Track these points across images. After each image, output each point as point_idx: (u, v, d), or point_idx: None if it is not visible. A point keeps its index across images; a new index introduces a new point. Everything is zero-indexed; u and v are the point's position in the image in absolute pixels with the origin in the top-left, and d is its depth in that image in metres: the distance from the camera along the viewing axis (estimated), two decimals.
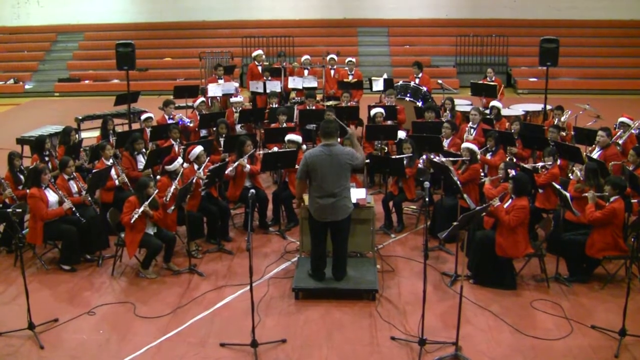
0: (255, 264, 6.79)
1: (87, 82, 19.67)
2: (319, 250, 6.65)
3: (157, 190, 7.16)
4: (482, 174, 8.22)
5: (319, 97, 12.68)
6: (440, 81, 12.93)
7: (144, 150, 8.91)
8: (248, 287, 5.60)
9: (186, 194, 7.30)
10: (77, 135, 10.08)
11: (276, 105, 11.00)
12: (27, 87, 19.79)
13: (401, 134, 9.61)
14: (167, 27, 21.36)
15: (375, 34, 21.10)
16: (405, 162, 8.16)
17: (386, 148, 9.90)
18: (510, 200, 6.73)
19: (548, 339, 5.81)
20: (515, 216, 6.52)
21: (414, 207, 9.03)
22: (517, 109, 12.02)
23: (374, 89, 12.63)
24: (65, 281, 7.07)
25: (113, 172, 8.12)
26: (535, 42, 12.30)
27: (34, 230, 7.16)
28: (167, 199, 7.29)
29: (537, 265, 7.00)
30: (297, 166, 8.04)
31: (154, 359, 5.61)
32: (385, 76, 13.00)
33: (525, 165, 8.05)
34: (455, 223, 5.78)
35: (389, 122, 10.38)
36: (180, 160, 7.85)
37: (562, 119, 10.14)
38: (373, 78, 12.93)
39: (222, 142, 9.48)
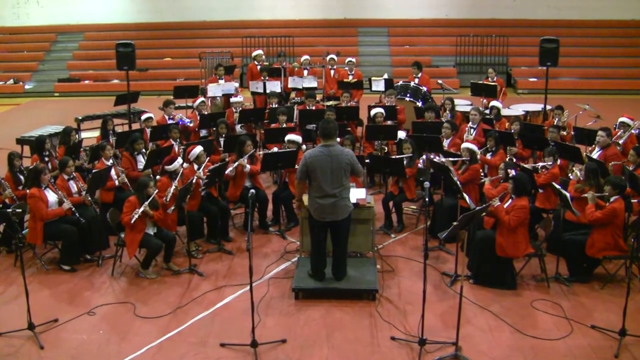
0: (255, 264, 6.80)
1: (87, 82, 19.68)
2: (319, 250, 6.64)
3: (157, 190, 7.16)
4: (482, 174, 8.22)
5: (319, 97, 12.68)
6: (440, 81, 12.93)
7: (143, 150, 8.91)
8: (248, 287, 5.60)
9: (186, 194, 7.30)
10: (77, 136, 10.08)
11: (276, 106, 11.00)
12: (27, 87, 19.80)
13: (401, 134, 9.62)
14: (167, 27, 21.37)
15: (375, 34, 21.11)
16: (405, 162, 8.16)
17: (386, 148, 9.91)
18: (510, 200, 6.73)
19: (548, 339, 5.81)
20: (515, 216, 6.52)
21: (414, 207, 9.03)
22: (517, 109, 12.02)
23: (374, 89, 12.63)
24: (65, 281, 7.07)
25: (113, 172, 8.12)
26: (535, 42, 12.30)
27: (34, 230, 7.15)
28: (167, 199, 7.29)
29: (537, 265, 7.00)
30: (297, 166, 8.05)
31: (154, 359, 5.61)
32: (385, 76, 13.00)
33: (525, 165, 8.05)
34: (455, 223, 5.78)
35: (389, 122, 10.38)
36: (180, 160, 7.85)
37: (563, 119, 10.13)
38: (373, 78, 12.93)
39: (222, 142, 9.48)
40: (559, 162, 8.03)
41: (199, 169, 7.84)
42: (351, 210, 6.54)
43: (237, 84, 13.02)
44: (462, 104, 12.27)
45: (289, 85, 12.63)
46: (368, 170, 9.49)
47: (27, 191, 7.28)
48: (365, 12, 21.34)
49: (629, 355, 5.55)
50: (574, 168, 8.06)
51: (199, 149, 7.97)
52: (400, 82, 12.55)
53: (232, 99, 11.37)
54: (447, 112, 10.39)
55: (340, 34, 21.13)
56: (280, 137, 9.18)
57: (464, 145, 8.07)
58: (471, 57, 19.70)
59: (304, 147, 9.15)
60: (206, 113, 10.80)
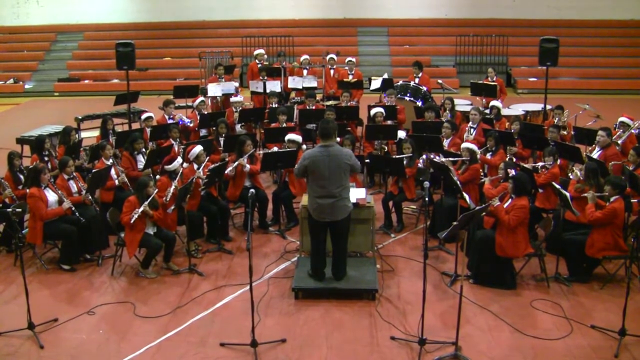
0: (255, 263, 6.79)
1: (86, 81, 19.68)
2: (319, 250, 6.64)
3: (156, 190, 7.16)
4: (482, 174, 8.22)
5: (318, 96, 12.67)
6: (440, 81, 12.92)
7: (143, 150, 8.91)
8: (248, 287, 5.60)
9: (186, 194, 7.30)
10: (77, 135, 10.08)
11: (276, 105, 11.00)
12: (26, 86, 19.80)
13: (401, 134, 9.62)
14: (167, 26, 21.37)
15: (375, 34, 21.10)
16: (405, 162, 8.16)
17: (386, 148, 9.90)
18: (510, 200, 6.73)
19: (548, 339, 5.81)
20: (515, 216, 6.52)
21: (414, 207, 9.04)
22: (517, 109, 12.02)
23: (371, 87, 12.63)
24: (65, 281, 7.07)
25: (113, 171, 8.12)
26: (535, 42, 12.30)
27: (34, 230, 7.15)
28: (167, 199, 7.29)
29: (537, 265, 7.00)
30: (296, 165, 8.05)
31: (153, 359, 5.61)
32: (385, 76, 13.00)
33: (525, 165, 8.05)
34: (455, 223, 5.78)
35: (389, 122, 10.38)
36: (179, 160, 7.85)
37: (563, 118, 10.12)
38: (373, 78, 12.92)
39: (221, 142, 9.48)
40: (559, 161, 8.03)
41: (198, 168, 7.84)
42: (351, 210, 6.54)
43: (237, 84, 13.02)
44: (462, 104, 12.27)
45: (289, 85, 12.61)
46: (368, 170, 9.50)
47: (27, 191, 7.28)
48: (365, 11, 21.34)
49: (628, 355, 5.55)
50: (573, 168, 8.07)
51: (198, 148, 7.96)
52: (400, 82, 12.55)
53: (232, 99, 11.37)
54: (447, 111, 10.39)
55: (340, 33, 21.13)
56: (280, 136, 9.18)
57: (464, 145, 8.07)
58: (471, 57, 19.70)
59: (304, 146, 9.15)
60: (206, 113, 10.79)
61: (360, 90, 12.49)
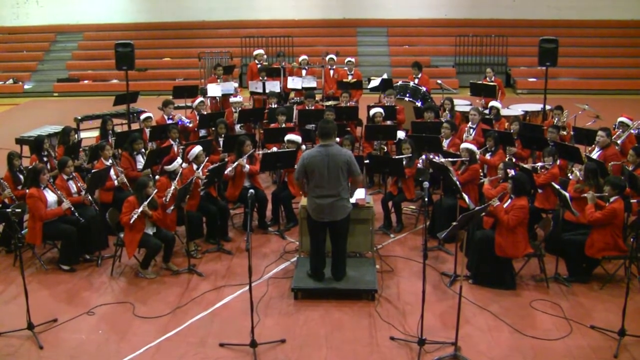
0: (254, 264, 6.79)
1: (86, 82, 19.67)
2: (318, 250, 6.64)
3: (156, 190, 7.16)
4: (482, 174, 8.22)
5: (318, 97, 12.67)
6: (439, 81, 12.93)
7: (143, 150, 8.90)
8: (247, 287, 5.60)
9: (185, 194, 7.29)
10: (76, 136, 10.08)
11: (275, 106, 11.00)
12: (26, 87, 19.79)
13: (400, 134, 9.62)
14: (167, 27, 21.36)
15: (374, 34, 21.10)
16: (404, 162, 8.16)
17: (385, 148, 9.90)
18: (509, 200, 6.74)
19: (547, 339, 5.81)
20: (515, 216, 6.52)
21: (413, 207, 9.04)
22: (517, 109, 12.02)
23: (369, 86, 12.63)
24: (65, 281, 7.07)
25: (112, 172, 8.11)
26: (534, 42, 12.30)
27: (33, 230, 7.15)
28: (167, 199, 7.29)
29: (537, 265, 7.00)
30: (297, 166, 8.04)
31: (153, 359, 5.61)
32: (384, 76, 13.00)
33: (525, 165, 8.05)
34: (454, 223, 5.78)
35: (389, 122, 10.38)
36: (179, 160, 7.84)
37: (562, 119, 10.13)
38: (372, 78, 12.92)
39: (221, 142, 9.47)
40: (558, 162, 8.03)
41: (198, 168, 7.83)
42: (350, 210, 6.54)
43: (236, 84, 13.02)
44: (462, 104, 12.26)
45: (288, 86, 12.62)
46: (367, 170, 9.49)
47: (27, 191, 7.28)
48: (364, 12, 21.34)
49: (628, 356, 5.55)
50: (573, 168, 8.06)
51: (198, 148, 7.96)
52: (400, 82, 12.54)
53: (232, 99, 11.37)
54: (447, 112, 10.39)
55: (340, 34, 21.13)
56: (279, 137, 9.18)
57: (463, 145, 8.07)
58: (470, 57, 19.70)
59: (303, 147, 9.15)
60: (205, 113, 10.79)
61: (359, 90, 12.49)
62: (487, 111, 10.74)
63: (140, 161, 8.76)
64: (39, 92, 19.56)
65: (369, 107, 10.69)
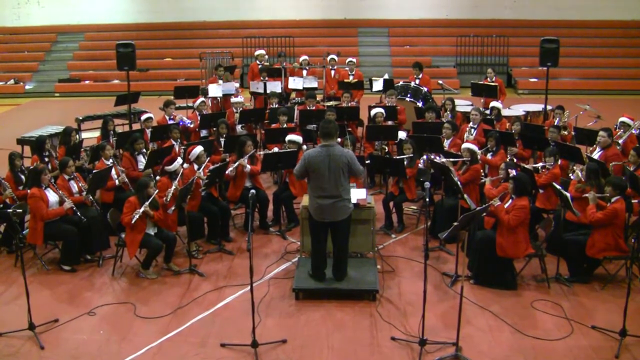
0: (255, 264, 6.78)
1: (87, 82, 19.68)
2: (320, 250, 6.64)
3: (157, 191, 7.16)
4: (483, 175, 8.21)
5: (319, 97, 12.68)
6: (440, 82, 12.92)
7: (144, 150, 8.91)
8: (248, 288, 5.60)
9: (186, 195, 7.30)
10: (77, 136, 10.09)
11: (276, 106, 11.01)
12: (27, 87, 19.80)
13: (402, 135, 9.61)
14: (168, 27, 21.38)
15: (375, 34, 21.10)
16: (405, 162, 8.16)
17: (387, 148, 9.90)
18: (510, 201, 6.73)
19: (548, 340, 5.81)
20: (515, 216, 6.52)
21: (415, 207, 9.03)
22: (518, 110, 12.01)
23: (374, 89, 12.63)
24: (66, 281, 7.08)
25: (113, 172, 8.12)
26: (535, 43, 12.28)
27: (34, 230, 7.15)
28: (168, 200, 7.29)
29: (538, 265, 6.99)
30: (297, 166, 8.04)
31: (154, 359, 5.62)
32: (386, 76, 12.99)
33: (526, 166, 8.05)
34: (455, 223, 5.78)
35: (390, 123, 10.38)
36: (180, 160, 7.85)
37: (563, 119, 10.12)
38: (373, 78, 12.92)
39: (222, 143, 9.48)
40: (559, 162, 8.02)
41: (199, 169, 7.84)
42: (351, 211, 6.54)
43: (237, 84, 13.02)
44: (463, 104, 12.26)
45: (290, 86, 12.62)
46: (368, 171, 9.49)
47: (28, 191, 7.28)
48: (365, 12, 21.33)
49: (629, 356, 5.55)
50: (574, 168, 8.06)
51: (199, 149, 7.97)
52: (401, 83, 12.54)
53: (233, 99, 11.37)
54: (448, 112, 10.38)
55: (341, 34, 21.13)
56: (280, 137, 9.19)
57: (465, 145, 8.06)
58: (471, 58, 19.69)
59: (304, 147, 9.15)
60: (206, 113, 10.80)
61: (360, 90, 12.49)
62: (488, 111, 10.73)
63: (142, 161, 8.77)
64: (40, 92, 19.57)
65: (370, 108, 10.69)
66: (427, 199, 5.70)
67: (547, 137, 8.90)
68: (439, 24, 21.02)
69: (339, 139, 6.95)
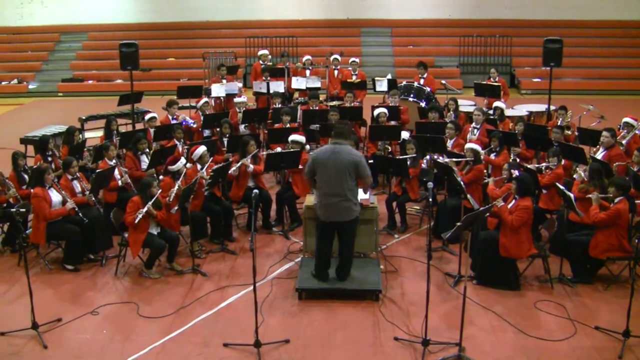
0: (258, 264, 6.77)
1: (90, 82, 19.70)
2: (324, 251, 6.63)
3: (160, 190, 7.17)
4: (486, 175, 8.21)
5: (322, 97, 12.67)
6: (444, 81, 12.90)
7: (147, 150, 8.91)
8: (251, 287, 5.59)
9: (189, 194, 7.30)
10: (80, 135, 10.10)
11: (279, 106, 11.01)
12: (30, 87, 19.82)
13: (405, 135, 9.60)
14: (171, 27, 21.38)
15: (378, 34, 21.08)
16: (408, 162, 8.15)
17: (389, 148, 9.89)
18: (513, 201, 6.72)
19: (551, 340, 5.80)
20: (519, 216, 6.51)
21: (418, 207, 9.03)
22: (521, 110, 11.99)
23: (378, 89, 12.61)
24: (69, 281, 7.09)
25: (116, 172, 8.13)
26: (538, 43, 12.25)
27: (37, 230, 7.16)
28: (170, 199, 7.30)
29: (541, 265, 6.99)
30: (300, 166, 8.05)
31: (157, 359, 5.61)
32: (389, 76, 12.98)
33: (529, 166, 8.03)
34: (458, 223, 5.78)
35: (393, 123, 10.37)
36: (183, 160, 7.86)
37: (566, 119, 10.10)
38: (377, 78, 12.91)
39: (225, 142, 9.48)
40: (562, 162, 8.01)
41: (202, 169, 7.85)
42: (357, 213, 6.50)
43: (240, 84, 13.03)
44: (466, 105, 12.24)
45: (293, 86, 12.63)
46: (371, 171, 9.47)
47: (31, 191, 7.29)
48: (368, 12, 21.31)
49: (632, 357, 5.54)
50: (577, 168, 8.05)
51: (202, 149, 7.97)
52: (404, 83, 12.53)
53: (236, 99, 11.37)
54: (451, 112, 10.37)
55: (343, 34, 21.11)
56: (283, 137, 9.19)
57: (468, 145, 8.06)
58: (474, 58, 19.67)
59: (307, 147, 9.15)
60: (209, 113, 10.80)
61: (363, 90, 12.48)
62: (491, 111, 10.72)
63: (145, 161, 8.77)
64: (44, 92, 19.58)
65: (373, 108, 10.69)
66: (430, 199, 5.70)
67: (550, 138, 8.88)
68: (442, 24, 20.99)
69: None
